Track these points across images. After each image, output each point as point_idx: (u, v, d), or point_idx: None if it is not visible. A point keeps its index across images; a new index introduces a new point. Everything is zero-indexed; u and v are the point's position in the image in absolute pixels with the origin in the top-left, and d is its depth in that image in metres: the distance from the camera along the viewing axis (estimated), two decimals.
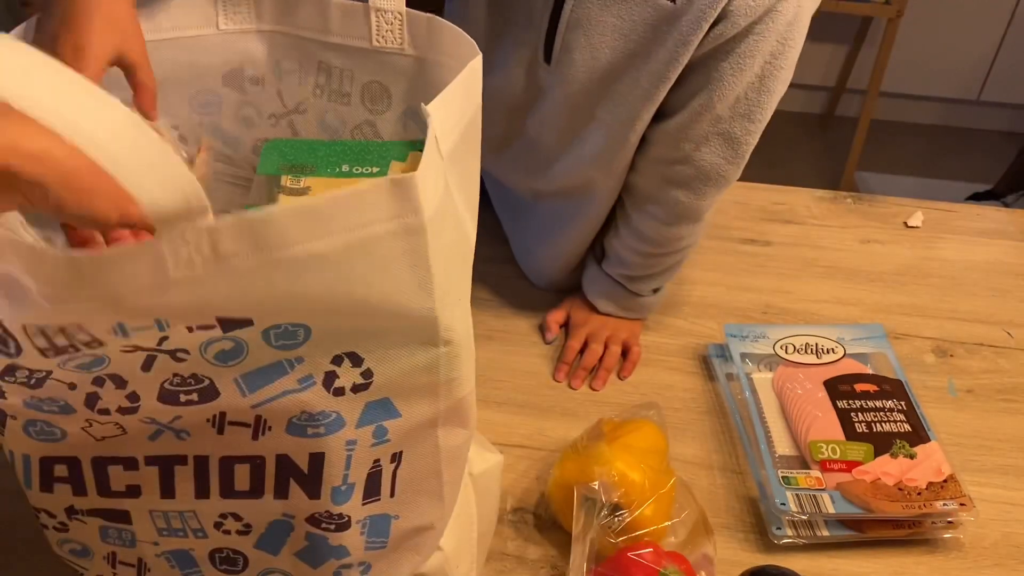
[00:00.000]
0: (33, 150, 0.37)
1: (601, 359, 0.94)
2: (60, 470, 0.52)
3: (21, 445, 0.50)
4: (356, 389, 0.48)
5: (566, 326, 0.98)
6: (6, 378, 0.45)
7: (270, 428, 0.49)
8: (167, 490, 0.52)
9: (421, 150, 0.45)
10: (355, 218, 0.42)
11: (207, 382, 0.46)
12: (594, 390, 0.91)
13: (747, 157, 0.83)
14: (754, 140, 0.82)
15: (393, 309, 0.45)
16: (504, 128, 0.91)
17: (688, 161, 0.82)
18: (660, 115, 0.81)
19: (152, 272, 0.39)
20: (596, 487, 0.69)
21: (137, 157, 0.37)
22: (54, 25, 0.54)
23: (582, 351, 0.95)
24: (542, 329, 0.98)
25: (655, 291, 0.96)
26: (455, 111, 0.50)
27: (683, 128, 0.80)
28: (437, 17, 0.59)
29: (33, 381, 0.45)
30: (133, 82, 0.57)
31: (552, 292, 1.02)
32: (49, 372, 0.45)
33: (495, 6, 0.83)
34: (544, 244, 0.99)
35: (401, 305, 0.45)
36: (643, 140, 0.84)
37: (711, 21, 0.72)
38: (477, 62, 0.52)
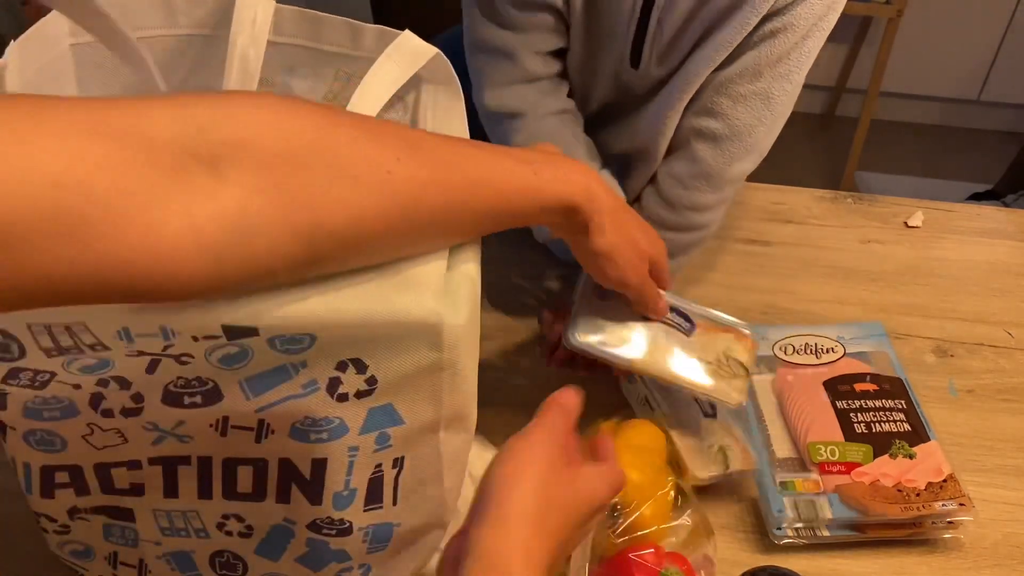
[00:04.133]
0: (594, 191, 0.57)
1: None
2: (61, 476, 0.52)
3: (22, 454, 0.50)
4: (360, 395, 0.48)
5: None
6: (9, 381, 0.45)
7: (273, 432, 0.49)
8: (170, 489, 0.53)
9: None
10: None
11: (211, 384, 0.46)
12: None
13: (778, 124, 0.86)
14: (788, 104, 0.84)
15: (399, 319, 0.45)
16: (595, 121, 0.95)
17: (722, 115, 0.84)
18: None
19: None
20: None
21: None
22: None
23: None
24: (539, 319, 0.98)
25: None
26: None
27: (727, 83, 0.83)
28: None
29: (37, 383, 0.45)
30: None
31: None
32: (54, 374, 0.45)
33: (589, 23, 0.86)
34: None
35: (407, 314, 0.45)
36: None
37: None
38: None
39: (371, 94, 0.55)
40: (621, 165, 0.96)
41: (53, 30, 0.56)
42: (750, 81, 0.82)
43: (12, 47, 0.53)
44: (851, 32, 2.68)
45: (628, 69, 0.88)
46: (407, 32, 0.57)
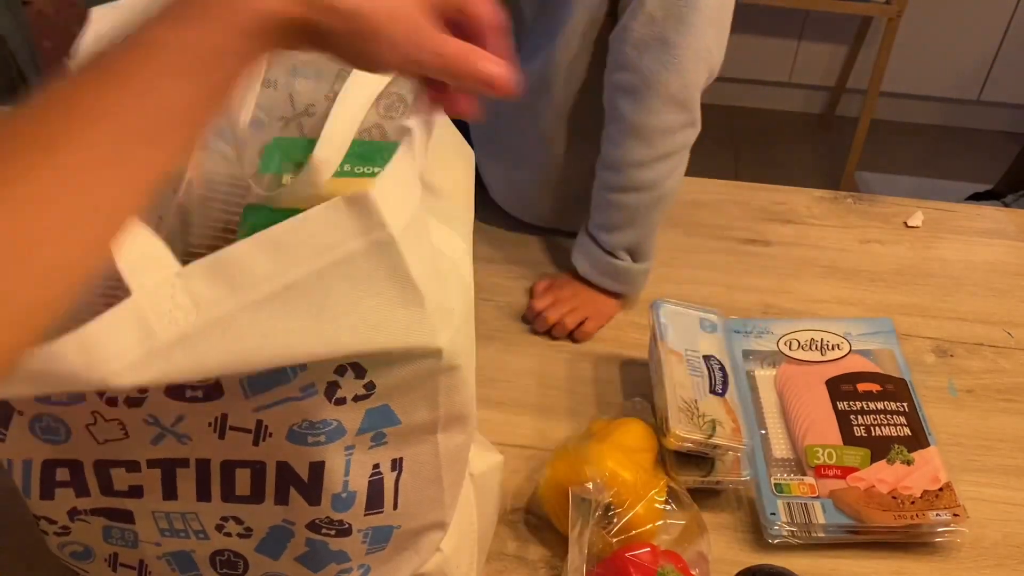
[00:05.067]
0: (348, 8, 0.39)
1: (551, 329, 0.96)
2: (62, 473, 0.52)
3: (23, 449, 0.50)
4: (357, 399, 0.48)
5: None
6: None
7: (271, 435, 0.49)
8: (169, 492, 0.53)
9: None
10: (319, 242, 0.42)
11: (213, 378, 0.46)
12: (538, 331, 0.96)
13: (688, 69, 0.85)
14: (690, 47, 0.84)
15: (385, 325, 0.45)
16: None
17: (632, 68, 0.86)
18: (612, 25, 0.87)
19: (139, 339, 0.39)
20: (590, 487, 0.69)
21: None
22: None
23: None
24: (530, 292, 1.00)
25: (632, 256, 0.96)
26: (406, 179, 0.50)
27: (625, 30, 0.85)
28: None
29: None
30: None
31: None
32: None
33: None
34: (519, 160, 1.03)
35: (392, 320, 0.45)
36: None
37: None
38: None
39: (359, 86, 0.54)
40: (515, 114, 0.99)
41: None
42: (645, 26, 0.84)
43: None
44: (851, 32, 2.68)
45: None
46: None
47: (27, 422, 0.49)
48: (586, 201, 0.98)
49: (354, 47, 0.41)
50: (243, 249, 0.40)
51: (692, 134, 0.91)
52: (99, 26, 0.56)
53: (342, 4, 0.39)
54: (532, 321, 0.98)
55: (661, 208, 0.94)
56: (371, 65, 0.43)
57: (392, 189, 0.44)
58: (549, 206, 1.07)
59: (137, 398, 0.47)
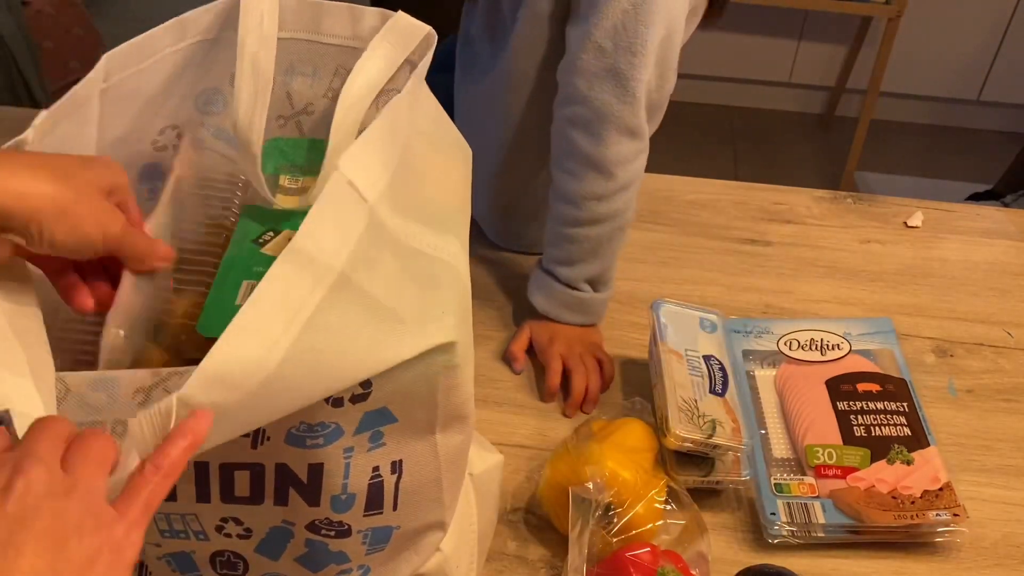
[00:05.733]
0: (21, 189, 0.40)
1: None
2: None
3: None
4: (355, 399, 0.48)
5: (531, 352, 0.95)
6: None
7: (268, 438, 0.49)
8: (168, 494, 0.53)
9: None
10: (286, 314, 0.42)
11: None
12: (585, 414, 0.89)
13: (639, 99, 0.84)
14: (640, 77, 0.83)
15: (379, 350, 0.46)
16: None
17: (584, 101, 0.84)
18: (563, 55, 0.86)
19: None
20: (590, 487, 0.69)
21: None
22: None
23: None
24: (507, 361, 0.94)
25: (592, 286, 0.93)
26: (380, 153, 0.50)
27: (573, 61, 0.84)
28: None
29: None
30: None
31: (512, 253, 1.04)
32: None
33: None
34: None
35: (384, 345, 0.46)
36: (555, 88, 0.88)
37: None
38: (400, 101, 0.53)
39: (363, 79, 0.54)
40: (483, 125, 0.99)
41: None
42: (596, 57, 0.83)
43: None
44: (851, 32, 2.68)
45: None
46: (400, 13, 0.57)
47: None
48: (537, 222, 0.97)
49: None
50: (223, 352, 0.40)
51: (645, 159, 0.89)
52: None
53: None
54: (559, 384, 0.91)
55: (622, 237, 0.92)
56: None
57: (322, 230, 0.44)
58: (507, 226, 1.06)
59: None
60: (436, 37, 0.58)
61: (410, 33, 0.57)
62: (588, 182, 0.88)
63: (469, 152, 0.66)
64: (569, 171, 0.88)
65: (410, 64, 0.58)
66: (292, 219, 0.58)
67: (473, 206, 0.62)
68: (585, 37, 0.82)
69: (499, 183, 1.02)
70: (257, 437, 0.49)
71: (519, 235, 1.07)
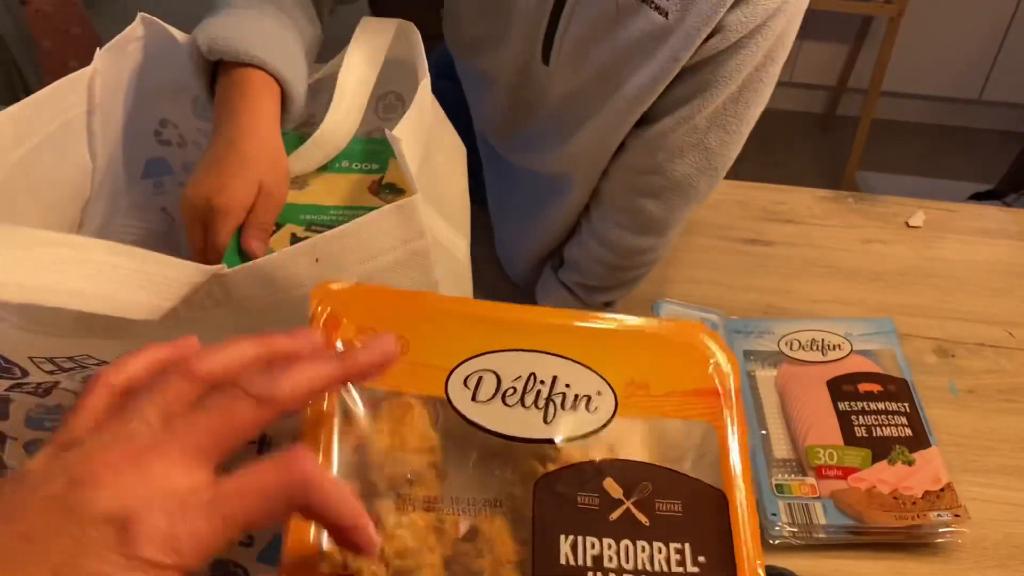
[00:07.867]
0: None
1: None
2: None
3: (23, 464, 0.50)
4: None
5: None
6: (12, 389, 0.45)
7: (273, 444, 0.49)
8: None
9: None
10: (366, 251, 0.42)
11: None
12: None
13: (721, 173, 0.82)
14: (729, 154, 0.80)
15: None
16: (509, 116, 0.89)
17: (660, 171, 0.81)
18: (640, 122, 0.79)
19: (161, 317, 0.40)
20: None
21: (118, 277, 0.37)
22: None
23: None
24: None
25: (606, 305, 0.94)
26: (419, 133, 0.50)
27: (660, 136, 0.78)
28: None
29: (41, 391, 0.45)
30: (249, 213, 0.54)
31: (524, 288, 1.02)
32: (57, 382, 0.45)
33: (486, 9, 0.81)
34: (522, 224, 0.97)
35: None
36: (620, 145, 0.82)
37: (703, 37, 0.70)
38: (426, 83, 0.54)
39: (352, 78, 0.54)
40: (532, 186, 0.93)
41: None
42: (686, 134, 0.78)
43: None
44: (852, 32, 2.68)
45: (539, 64, 0.80)
46: (364, 17, 0.58)
47: (20, 447, 0.49)
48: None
49: None
50: (293, 254, 0.40)
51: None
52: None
53: None
54: None
55: (648, 271, 0.93)
56: None
57: (420, 200, 0.44)
58: (528, 267, 1.01)
59: None
60: (415, 29, 0.58)
61: (381, 28, 0.57)
62: (642, 240, 0.86)
63: (464, 150, 0.66)
64: (622, 224, 0.86)
65: (404, 64, 0.58)
66: (290, 214, 0.58)
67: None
68: (685, 118, 0.77)
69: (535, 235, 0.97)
70: (262, 444, 0.49)
71: (526, 274, 1.02)
